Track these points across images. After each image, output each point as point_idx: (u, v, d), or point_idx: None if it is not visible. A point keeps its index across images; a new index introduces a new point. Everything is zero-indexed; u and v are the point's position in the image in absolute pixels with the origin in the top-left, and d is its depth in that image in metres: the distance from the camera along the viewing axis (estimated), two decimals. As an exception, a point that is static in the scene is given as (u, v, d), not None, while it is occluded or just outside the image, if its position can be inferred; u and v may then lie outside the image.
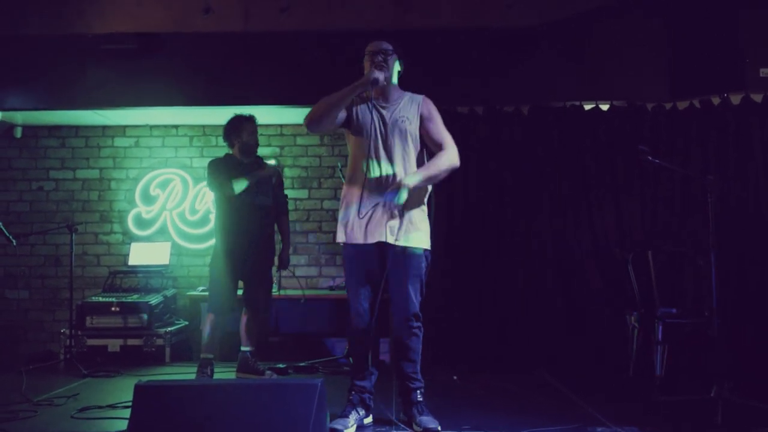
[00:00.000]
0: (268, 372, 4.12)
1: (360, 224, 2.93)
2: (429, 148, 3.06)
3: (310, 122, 2.95)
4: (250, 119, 4.04)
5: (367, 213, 2.91)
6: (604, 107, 4.72)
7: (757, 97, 4.48)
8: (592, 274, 4.57)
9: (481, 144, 4.76)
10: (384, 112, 3.02)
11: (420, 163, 3.02)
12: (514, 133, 4.75)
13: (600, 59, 4.66)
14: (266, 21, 4.65)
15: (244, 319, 4.08)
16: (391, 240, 2.89)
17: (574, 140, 4.70)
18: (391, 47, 3.04)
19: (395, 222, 2.90)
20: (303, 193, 5.45)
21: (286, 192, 4.32)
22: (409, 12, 4.66)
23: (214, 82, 4.76)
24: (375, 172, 2.93)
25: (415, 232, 2.93)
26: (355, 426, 2.92)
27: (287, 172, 5.45)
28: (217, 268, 3.93)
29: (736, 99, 4.50)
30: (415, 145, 3.01)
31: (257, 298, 4.04)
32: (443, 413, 3.13)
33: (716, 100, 4.54)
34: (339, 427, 2.83)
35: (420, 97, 3.10)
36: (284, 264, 4.18)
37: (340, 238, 3.01)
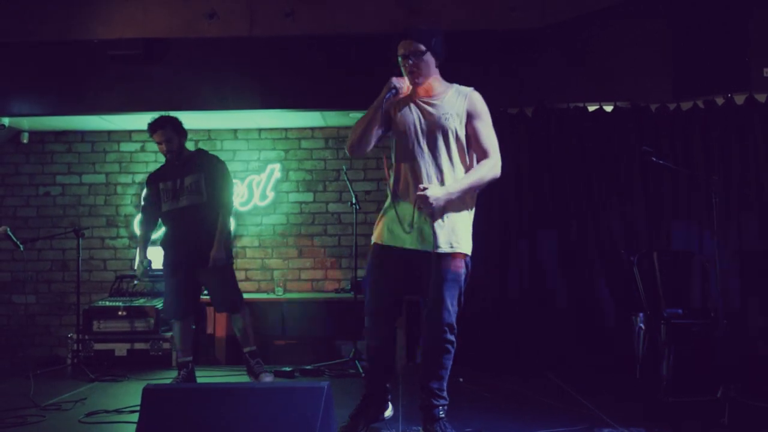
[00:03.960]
0: (265, 375, 4.04)
1: (400, 229, 2.75)
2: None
3: (350, 149, 2.85)
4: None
5: (408, 218, 2.73)
6: (608, 108, 4.72)
7: (761, 97, 4.48)
8: (598, 275, 4.57)
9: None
10: (427, 108, 2.78)
11: (465, 164, 2.78)
12: (518, 135, 4.75)
13: (603, 60, 4.66)
14: (271, 26, 4.68)
15: (230, 322, 4.08)
16: (429, 247, 2.70)
17: (578, 142, 4.70)
18: (422, 47, 2.74)
19: (435, 227, 2.69)
20: (308, 197, 5.47)
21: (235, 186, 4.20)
22: (414, 15, 4.67)
23: (219, 87, 4.79)
24: (417, 176, 2.73)
25: (455, 237, 2.72)
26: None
27: (292, 176, 5.46)
28: (165, 275, 3.94)
29: (740, 99, 4.50)
30: (459, 144, 2.76)
31: (221, 298, 3.98)
32: (448, 416, 3.13)
33: (720, 101, 4.54)
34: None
35: (468, 90, 2.80)
36: (210, 261, 3.81)
37: (378, 238, 2.82)
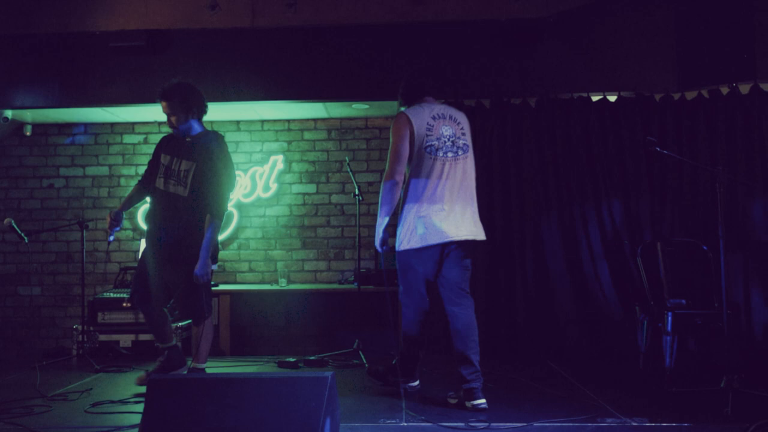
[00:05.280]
0: None
1: None
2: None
3: None
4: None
5: None
6: (612, 98, 4.71)
7: (766, 86, 4.45)
8: (603, 265, 4.57)
9: (488, 137, 4.76)
10: None
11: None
12: (522, 125, 4.74)
13: (607, 50, 4.64)
14: (273, 16, 4.67)
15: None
16: None
17: (581, 132, 4.69)
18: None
19: None
20: (311, 188, 5.47)
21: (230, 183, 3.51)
22: (417, 5, 4.66)
23: (221, 78, 4.79)
24: None
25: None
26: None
27: (295, 167, 5.46)
28: (143, 254, 3.62)
29: (744, 88, 4.47)
30: None
31: (184, 307, 3.51)
32: (452, 406, 3.15)
33: (725, 90, 4.51)
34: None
35: None
36: (195, 277, 3.33)
37: None
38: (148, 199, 3.73)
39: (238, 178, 5.40)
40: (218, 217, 3.39)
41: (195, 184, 3.39)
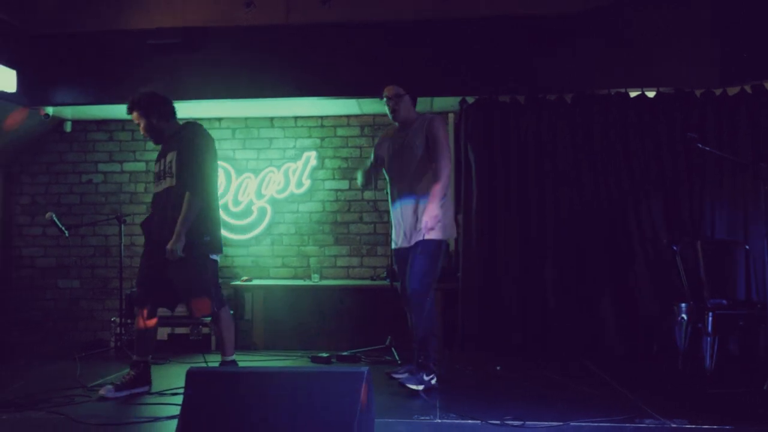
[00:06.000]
0: None
1: (396, 233, 3.63)
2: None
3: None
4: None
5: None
6: (651, 94, 4.62)
7: (813, 81, 4.33)
8: (640, 264, 4.49)
9: (523, 133, 4.71)
10: (398, 139, 3.60)
11: (429, 176, 3.47)
12: (557, 122, 4.68)
13: (646, 45, 4.55)
14: (307, 13, 4.69)
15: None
16: (405, 244, 3.56)
17: (619, 129, 4.61)
18: (401, 90, 3.54)
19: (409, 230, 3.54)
20: (344, 184, 5.48)
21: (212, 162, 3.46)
22: (449, 1, 4.63)
23: (256, 75, 4.82)
24: (393, 192, 3.62)
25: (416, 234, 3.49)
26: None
27: (328, 163, 5.48)
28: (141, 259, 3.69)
29: (790, 83, 4.35)
30: (422, 163, 3.48)
31: (185, 299, 3.46)
32: (487, 403, 3.14)
33: (769, 85, 4.40)
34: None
35: (428, 119, 3.53)
36: (167, 252, 3.29)
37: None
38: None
39: (270, 174, 5.45)
40: (195, 195, 3.31)
41: (179, 170, 3.38)
